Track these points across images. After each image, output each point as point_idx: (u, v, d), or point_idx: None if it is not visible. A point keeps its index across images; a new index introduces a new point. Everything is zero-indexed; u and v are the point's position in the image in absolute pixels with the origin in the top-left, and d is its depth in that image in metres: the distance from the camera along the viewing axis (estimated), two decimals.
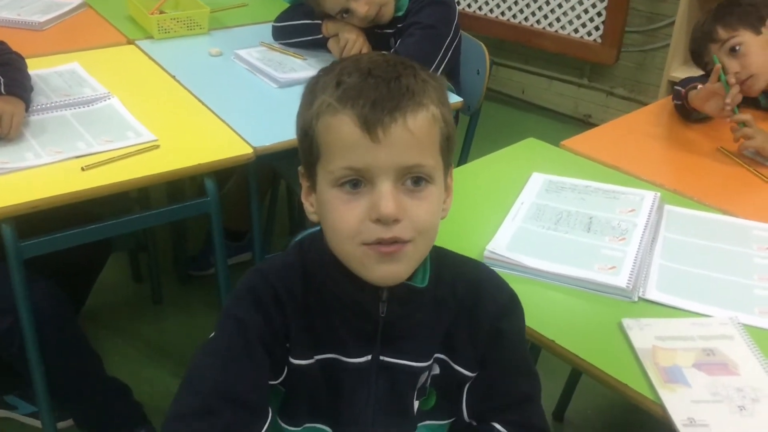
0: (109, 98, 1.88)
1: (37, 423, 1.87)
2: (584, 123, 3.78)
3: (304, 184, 0.94)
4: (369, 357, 0.95)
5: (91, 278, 2.03)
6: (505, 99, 4.04)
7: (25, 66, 1.86)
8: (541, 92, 3.96)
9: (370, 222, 0.84)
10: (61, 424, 1.82)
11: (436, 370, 0.99)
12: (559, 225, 1.44)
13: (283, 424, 1.00)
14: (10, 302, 1.52)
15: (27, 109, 1.72)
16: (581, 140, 1.84)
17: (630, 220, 1.46)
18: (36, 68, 1.94)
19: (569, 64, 3.79)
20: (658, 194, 1.55)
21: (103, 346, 1.87)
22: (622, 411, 2.10)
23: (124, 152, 1.63)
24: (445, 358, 0.98)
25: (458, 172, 1.77)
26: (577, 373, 1.96)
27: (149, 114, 1.81)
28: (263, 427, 0.93)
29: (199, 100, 1.92)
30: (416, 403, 0.99)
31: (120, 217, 1.67)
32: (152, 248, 2.36)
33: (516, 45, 3.88)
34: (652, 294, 1.28)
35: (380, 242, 0.84)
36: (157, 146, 1.68)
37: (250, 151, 1.70)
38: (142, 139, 1.70)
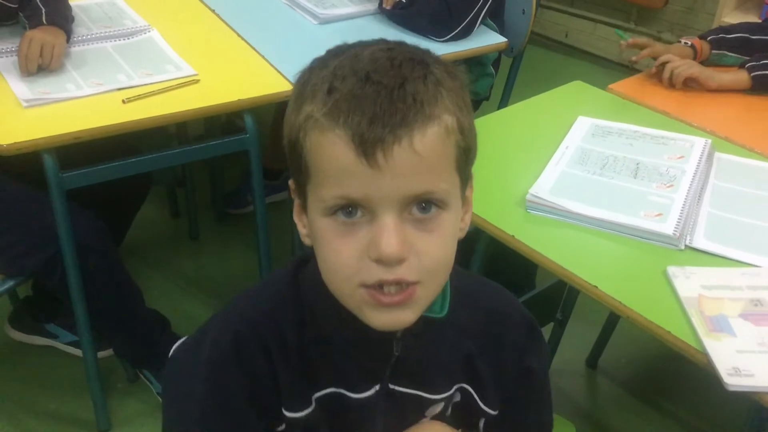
0: (149, 31, 1.86)
1: (77, 352, 1.91)
2: (629, 69, 3.66)
3: (296, 200, 0.78)
4: (377, 387, 0.84)
5: (131, 212, 2.04)
6: (547, 43, 3.93)
7: None
8: (586, 36, 3.84)
9: (370, 260, 0.70)
10: (101, 354, 1.86)
11: (457, 398, 0.89)
12: (605, 170, 1.41)
13: None
14: (53, 232, 1.55)
15: (68, 40, 1.72)
16: (629, 84, 1.79)
17: (679, 166, 1.42)
18: None
19: (615, 7, 3.67)
20: (709, 141, 1.50)
21: (141, 280, 1.88)
22: (657, 360, 2.09)
23: (164, 86, 1.63)
24: (469, 390, 0.89)
25: (500, 115, 1.74)
26: (612, 321, 1.95)
27: (188, 48, 1.79)
28: None
29: (239, 35, 1.89)
30: None
31: (161, 150, 1.68)
32: (190, 185, 2.37)
33: None
34: (700, 242, 1.25)
35: (382, 285, 0.71)
36: (197, 81, 1.67)
37: (289, 88, 1.68)
38: (182, 73, 1.68)
